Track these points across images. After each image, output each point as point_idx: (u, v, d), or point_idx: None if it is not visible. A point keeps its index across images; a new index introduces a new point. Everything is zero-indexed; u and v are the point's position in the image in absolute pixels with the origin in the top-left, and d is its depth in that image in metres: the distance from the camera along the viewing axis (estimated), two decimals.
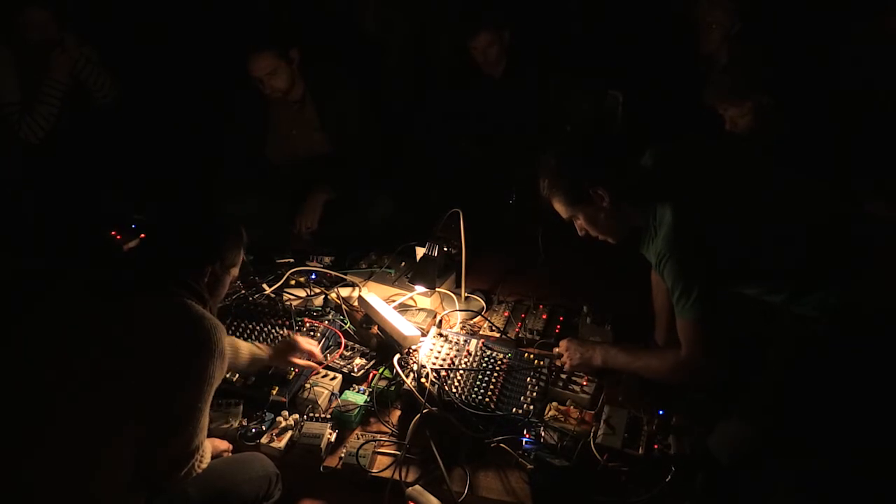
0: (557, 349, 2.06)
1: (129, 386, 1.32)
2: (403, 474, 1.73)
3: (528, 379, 1.98)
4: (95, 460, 1.30)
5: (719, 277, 1.64)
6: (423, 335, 2.16)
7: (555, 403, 1.91)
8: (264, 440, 1.82)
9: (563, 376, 2.00)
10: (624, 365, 1.89)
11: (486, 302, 2.43)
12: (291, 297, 2.44)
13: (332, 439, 1.84)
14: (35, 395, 1.31)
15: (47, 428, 1.29)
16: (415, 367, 1.99)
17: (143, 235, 2.65)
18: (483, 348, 2.09)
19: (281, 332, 2.18)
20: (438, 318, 2.31)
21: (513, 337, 2.25)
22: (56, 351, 1.35)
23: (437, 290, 2.39)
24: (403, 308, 2.37)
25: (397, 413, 1.95)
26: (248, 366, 1.90)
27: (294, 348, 1.98)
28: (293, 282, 2.51)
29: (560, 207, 1.82)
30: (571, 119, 3.09)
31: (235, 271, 1.66)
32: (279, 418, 1.87)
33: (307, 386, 1.98)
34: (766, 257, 1.63)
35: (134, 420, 1.31)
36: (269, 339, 2.15)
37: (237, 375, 1.98)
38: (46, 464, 1.28)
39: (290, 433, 1.83)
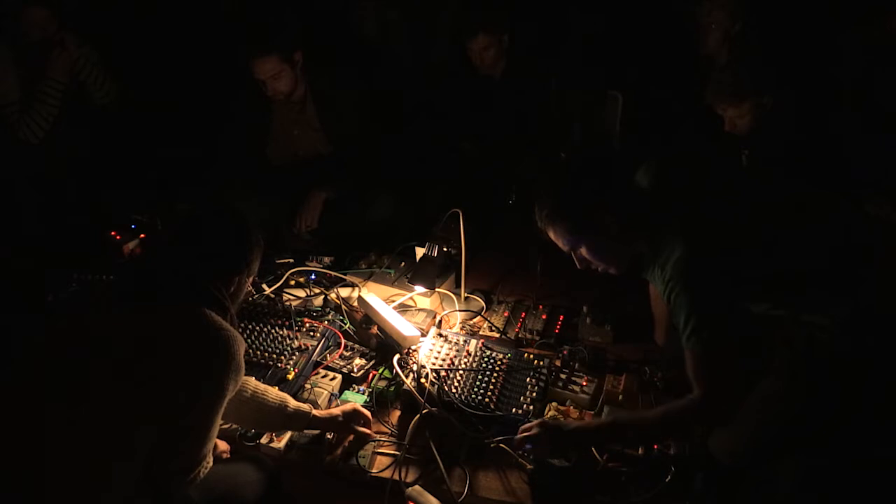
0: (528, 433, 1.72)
1: (143, 395, 1.31)
2: (403, 474, 1.73)
3: (528, 379, 1.98)
4: (107, 466, 1.30)
5: (731, 298, 1.57)
6: (423, 335, 2.16)
7: (554, 403, 1.91)
8: (264, 440, 1.81)
9: (563, 376, 2.00)
10: (635, 430, 1.67)
11: (485, 302, 2.43)
12: (291, 297, 2.44)
13: (332, 439, 1.84)
14: (50, 400, 1.31)
15: (61, 433, 1.29)
16: (414, 367, 1.98)
17: (142, 236, 2.67)
18: (483, 348, 2.09)
19: (281, 332, 2.18)
20: (438, 318, 2.31)
21: (512, 337, 2.25)
22: (74, 357, 1.35)
23: (436, 290, 2.39)
24: (403, 308, 2.37)
25: (397, 413, 1.95)
26: (287, 422, 1.74)
27: (358, 416, 1.82)
28: (293, 282, 2.51)
29: (560, 238, 1.71)
30: (573, 119, 3.10)
31: (252, 278, 1.64)
32: None
33: (307, 386, 1.98)
34: (770, 268, 1.59)
35: (146, 427, 1.31)
36: (268, 340, 2.15)
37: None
38: (59, 468, 1.28)
39: (290, 433, 1.83)
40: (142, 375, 1.32)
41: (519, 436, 1.72)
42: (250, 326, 2.20)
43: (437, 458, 1.74)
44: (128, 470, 1.31)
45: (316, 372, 2.05)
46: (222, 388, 1.37)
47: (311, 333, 2.20)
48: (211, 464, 1.46)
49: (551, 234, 1.73)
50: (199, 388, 1.35)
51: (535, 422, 1.72)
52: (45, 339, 1.40)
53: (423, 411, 1.84)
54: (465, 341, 2.12)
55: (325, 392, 1.95)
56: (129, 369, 1.32)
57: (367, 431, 1.83)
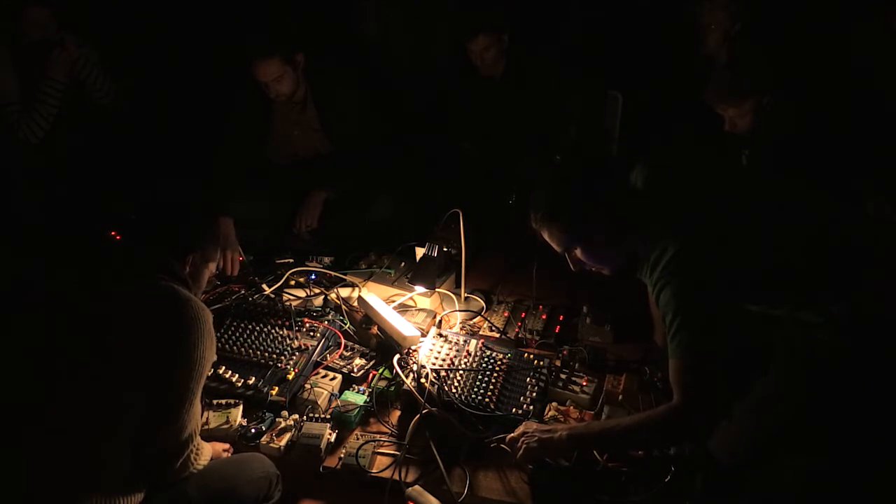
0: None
1: (123, 373, 1.33)
2: (403, 474, 1.73)
3: (528, 379, 1.98)
4: (95, 452, 1.31)
5: (724, 299, 1.55)
6: (423, 335, 2.16)
7: (554, 404, 1.91)
8: (264, 440, 1.81)
9: (563, 376, 2.00)
10: (602, 444, 1.69)
11: (485, 302, 2.43)
12: (291, 297, 2.43)
13: (332, 439, 1.84)
14: (30, 388, 1.32)
15: (45, 421, 1.29)
16: (414, 367, 1.98)
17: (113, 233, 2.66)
18: (483, 348, 2.09)
19: (281, 332, 2.18)
20: (438, 318, 2.31)
21: (512, 337, 2.25)
22: (50, 342, 1.35)
23: (436, 290, 2.39)
24: (403, 308, 2.37)
25: (397, 413, 1.94)
26: None
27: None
28: (293, 282, 2.51)
29: (555, 239, 1.70)
30: (574, 118, 3.10)
31: (213, 267, 1.69)
32: (279, 419, 1.87)
33: (307, 386, 1.98)
34: (768, 267, 1.58)
35: (130, 408, 1.32)
36: (268, 340, 2.15)
37: (237, 375, 1.99)
38: (45, 458, 1.28)
39: (289, 433, 1.83)
40: (117, 355, 1.33)
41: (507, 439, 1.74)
42: (250, 326, 2.20)
43: (437, 458, 1.74)
44: (117, 458, 1.32)
45: (316, 372, 2.05)
46: (198, 356, 1.38)
47: (311, 333, 2.19)
48: (205, 456, 1.47)
49: (545, 236, 1.73)
50: (174, 360, 1.36)
51: (517, 433, 1.72)
52: (23, 326, 1.40)
53: (423, 411, 1.84)
54: (465, 341, 2.12)
55: (325, 392, 1.95)
56: (104, 351, 1.33)
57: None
